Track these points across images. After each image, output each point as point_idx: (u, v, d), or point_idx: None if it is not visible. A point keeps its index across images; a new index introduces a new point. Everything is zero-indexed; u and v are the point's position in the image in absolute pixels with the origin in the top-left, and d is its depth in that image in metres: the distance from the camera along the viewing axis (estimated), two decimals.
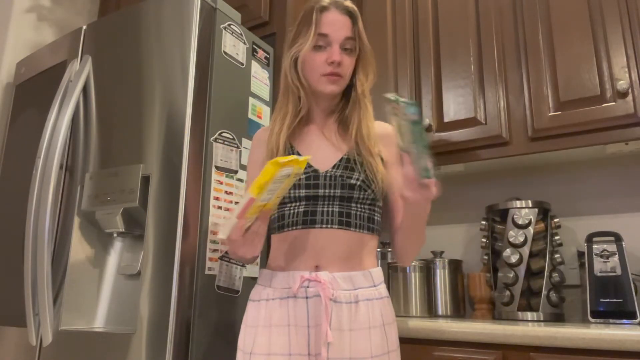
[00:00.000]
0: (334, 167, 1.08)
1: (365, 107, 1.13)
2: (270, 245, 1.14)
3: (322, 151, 1.11)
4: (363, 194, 1.07)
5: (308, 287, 0.99)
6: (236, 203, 1.36)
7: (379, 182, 1.08)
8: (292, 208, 1.06)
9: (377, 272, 1.08)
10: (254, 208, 0.94)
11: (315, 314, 0.98)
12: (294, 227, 1.06)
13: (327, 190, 1.05)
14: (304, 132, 1.15)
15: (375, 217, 1.11)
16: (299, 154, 1.09)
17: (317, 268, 1.02)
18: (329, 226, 1.04)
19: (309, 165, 1.07)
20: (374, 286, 1.05)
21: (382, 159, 1.11)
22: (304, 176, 1.05)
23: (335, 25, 1.08)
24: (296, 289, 0.99)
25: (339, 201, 1.06)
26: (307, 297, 0.99)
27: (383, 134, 1.15)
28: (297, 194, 1.05)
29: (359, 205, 1.07)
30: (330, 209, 1.05)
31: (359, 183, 1.06)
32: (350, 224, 1.05)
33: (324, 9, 1.09)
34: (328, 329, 0.95)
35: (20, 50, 2.07)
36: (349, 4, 1.12)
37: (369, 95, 1.15)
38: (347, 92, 1.15)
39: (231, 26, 1.48)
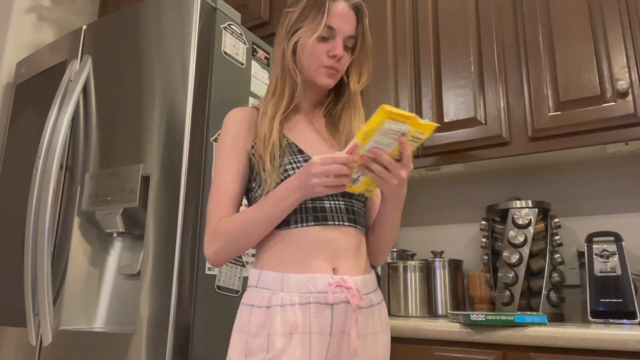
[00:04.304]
0: None
1: (358, 106, 1.11)
2: (265, 243, 1.01)
3: (318, 144, 1.08)
4: None
5: (334, 292, 0.93)
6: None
7: None
8: None
9: (375, 275, 1.08)
10: (356, 156, 0.88)
11: (339, 321, 0.93)
12: (305, 224, 0.98)
13: None
14: (294, 121, 1.11)
15: (365, 214, 1.10)
16: (295, 145, 1.05)
17: (334, 271, 0.97)
18: (341, 223, 0.99)
19: (310, 158, 1.01)
20: (377, 289, 1.05)
21: None
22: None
23: (344, 19, 1.05)
24: (332, 297, 0.92)
25: (341, 197, 1.02)
26: (332, 304, 0.93)
27: None
28: None
29: (357, 202, 1.05)
30: (337, 205, 1.01)
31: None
32: (356, 221, 1.02)
33: None
34: (356, 337, 0.92)
35: (20, 50, 2.07)
36: None
37: (360, 95, 1.13)
38: (336, 87, 1.13)
39: (231, 26, 1.48)
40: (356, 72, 1.11)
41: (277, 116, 1.04)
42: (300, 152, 1.03)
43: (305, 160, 1.02)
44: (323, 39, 1.05)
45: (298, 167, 1.00)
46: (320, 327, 0.92)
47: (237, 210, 1.04)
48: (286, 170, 1.00)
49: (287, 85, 1.06)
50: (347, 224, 1.00)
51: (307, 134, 1.09)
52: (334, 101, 1.15)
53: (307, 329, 0.91)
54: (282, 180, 0.99)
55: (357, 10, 1.08)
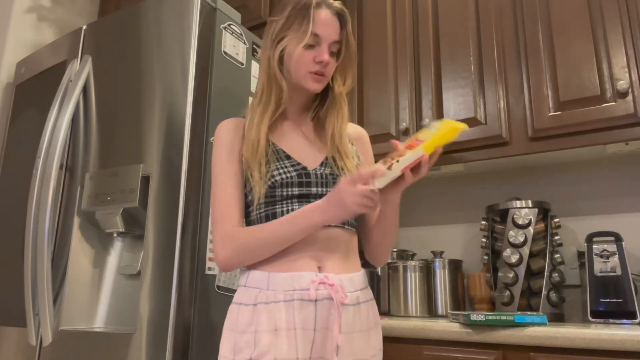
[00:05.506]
0: (321, 165, 1.07)
1: (341, 108, 1.14)
2: None
3: (305, 149, 1.10)
4: None
5: (317, 289, 0.96)
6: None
7: None
8: (284, 206, 1.03)
9: (365, 274, 1.10)
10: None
11: (323, 317, 0.96)
12: None
13: (319, 189, 1.04)
14: (281, 128, 1.13)
15: (361, 220, 1.13)
16: (283, 151, 1.08)
17: (319, 269, 1.00)
18: (327, 225, 1.02)
19: (297, 163, 1.06)
20: (367, 287, 1.07)
21: (359, 159, 1.14)
22: (294, 174, 1.03)
23: (328, 26, 1.08)
24: (314, 293, 0.95)
25: None
26: (315, 300, 0.96)
27: (356, 136, 1.19)
28: (289, 192, 1.03)
29: None
30: None
31: None
32: (344, 222, 1.05)
33: (318, 5, 1.08)
34: (338, 333, 0.94)
35: (20, 50, 2.07)
36: (339, 5, 1.12)
37: (346, 97, 1.16)
38: (322, 91, 1.15)
39: (231, 26, 1.48)
40: (341, 76, 1.14)
41: (264, 123, 1.07)
42: (288, 157, 1.06)
43: (293, 166, 1.05)
44: (309, 46, 1.07)
45: (285, 173, 1.03)
46: (304, 323, 0.95)
47: (243, 215, 1.07)
48: (273, 177, 1.03)
49: (274, 93, 1.09)
50: (333, 225, 1.03)
51: (294, 139, 1.12)
52: (320, 105, 1.17)
53: (291, 325, 0.95)
54: (269, 187, 1.02)
55: (340, 16, 1.11)
